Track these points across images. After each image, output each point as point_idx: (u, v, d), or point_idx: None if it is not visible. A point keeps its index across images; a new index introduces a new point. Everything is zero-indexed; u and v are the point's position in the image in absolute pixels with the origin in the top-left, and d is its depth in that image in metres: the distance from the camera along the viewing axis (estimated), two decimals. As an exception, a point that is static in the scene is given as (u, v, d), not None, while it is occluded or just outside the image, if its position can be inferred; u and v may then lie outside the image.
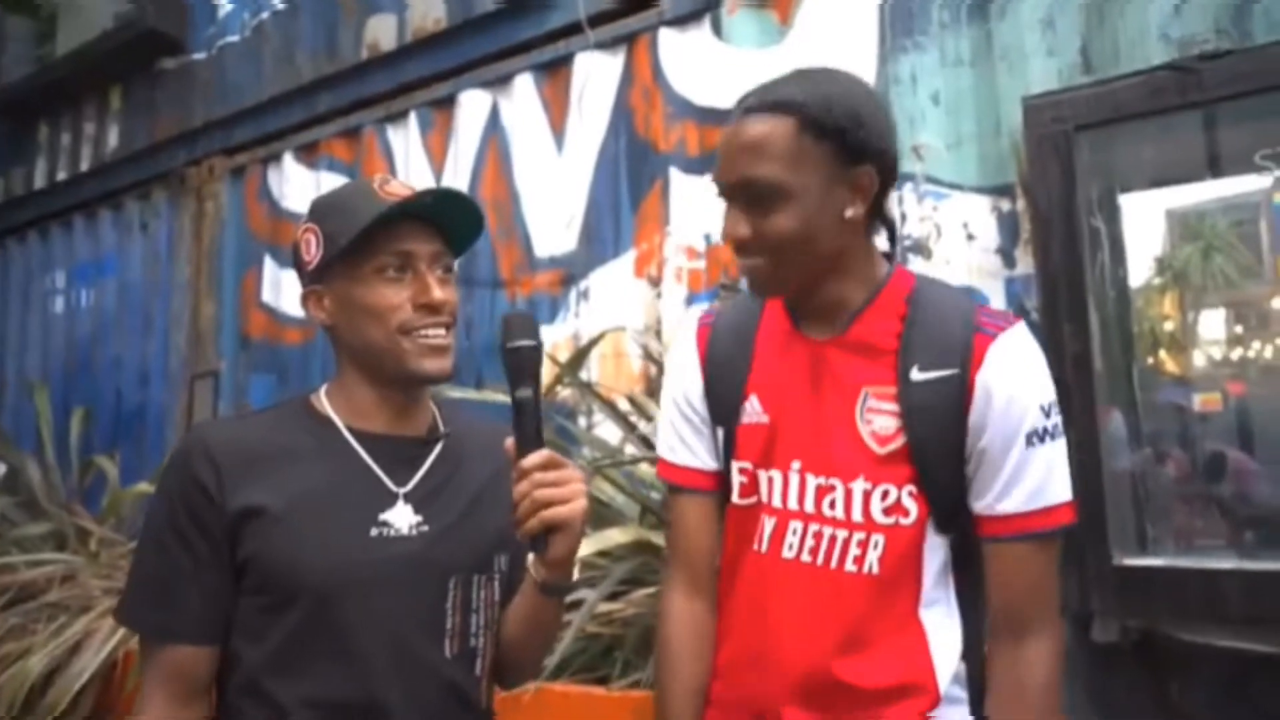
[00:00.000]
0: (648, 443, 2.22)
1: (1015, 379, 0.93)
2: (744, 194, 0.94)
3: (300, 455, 0.97)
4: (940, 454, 0.93)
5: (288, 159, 3.56)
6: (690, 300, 2.50)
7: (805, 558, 0.96)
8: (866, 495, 0.94)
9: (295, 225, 3.54)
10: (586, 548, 1.80)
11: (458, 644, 0.98)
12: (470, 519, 1.01)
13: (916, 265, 2.15)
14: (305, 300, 1.03)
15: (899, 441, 0.94)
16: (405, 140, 3.22)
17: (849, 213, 0.94)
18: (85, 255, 4.39)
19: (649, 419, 2.29)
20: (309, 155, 3.52)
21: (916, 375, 0.94)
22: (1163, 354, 2.08)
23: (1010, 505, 0.93)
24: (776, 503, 0.99)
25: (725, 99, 2.51)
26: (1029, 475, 0.92)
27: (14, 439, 4.09)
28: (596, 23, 2.76)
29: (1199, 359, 1.99)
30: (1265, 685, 1.60)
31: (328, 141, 3.44)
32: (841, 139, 0.93)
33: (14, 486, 3.73)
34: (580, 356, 2.51)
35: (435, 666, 0.96)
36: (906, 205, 2.18)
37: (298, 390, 3.43)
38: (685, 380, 1.07)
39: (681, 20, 2.63)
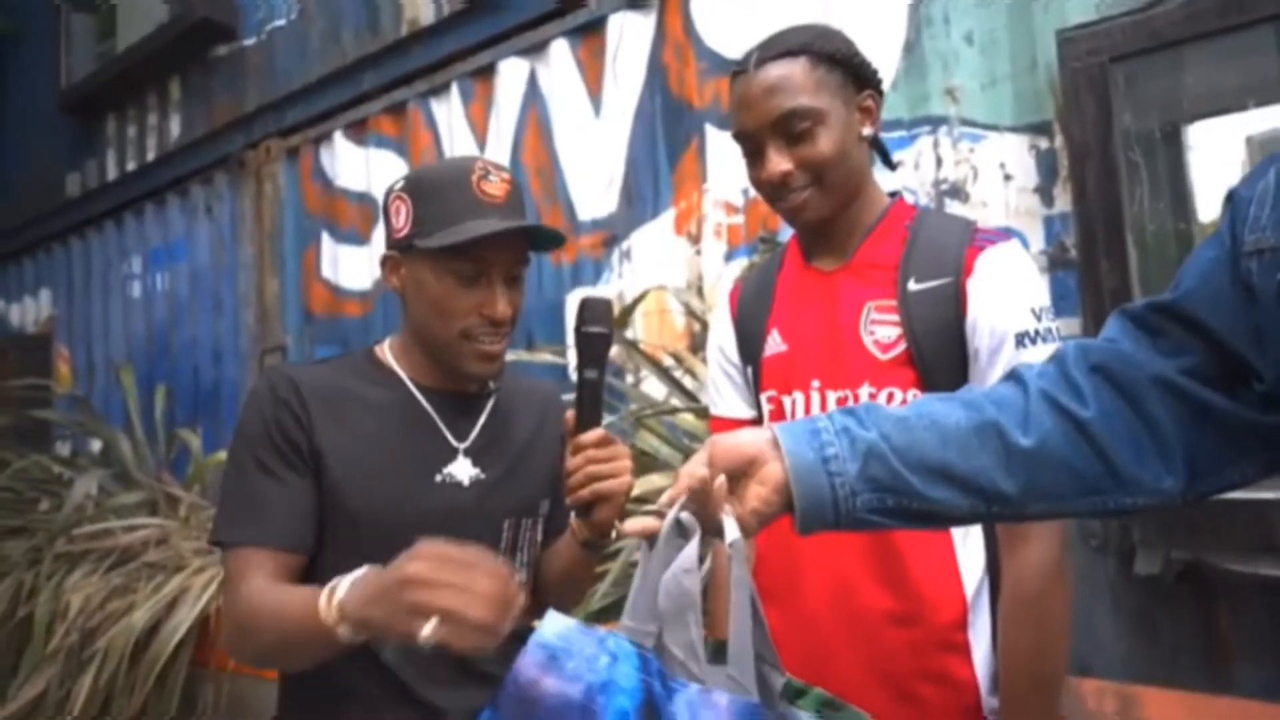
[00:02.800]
0: (691, 396, 2.28)
1: (1003, 283, 0.98)
2: (781, 129, 1.02)
3: (371, 404, 1.05)
4: (940, 358, 0.99)
5: (338, 138, 3.68)
6: (729, 256, 2.53)
7: None
8: (872, 398, 1.00)
9: (348, 201, 3.68)
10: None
11: None
12: (519, 468, 1.11)
13: (954, 209, 2.14)
14: (384, 262, 1.09)
15: (900, 348, 1.01)
16: (448, 113, 3.29)
17: (865, 131, 1.06)
18: (157, 241, 4.61)
19: (692, 374, 2.34)
20: (358, 133, 3.63)
21: (914, 286, 1.01)
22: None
23: None
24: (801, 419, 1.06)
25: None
26: None
27: (105, 417, 4.37)
28: (628, -17, 2.78)
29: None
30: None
31: (375, 118, 3.54)
32: (847, 67, 1.04)
33: (108, 460, 4.01)
34: (624, 316, 2.57)
35: None
36: (941, 149, 2.17)
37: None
38: (720, 335, 1.18)
39: (712, -26, 2.63)
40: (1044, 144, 2.03)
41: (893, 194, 1.12)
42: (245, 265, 4.07)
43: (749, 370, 1.13)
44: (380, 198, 3.46)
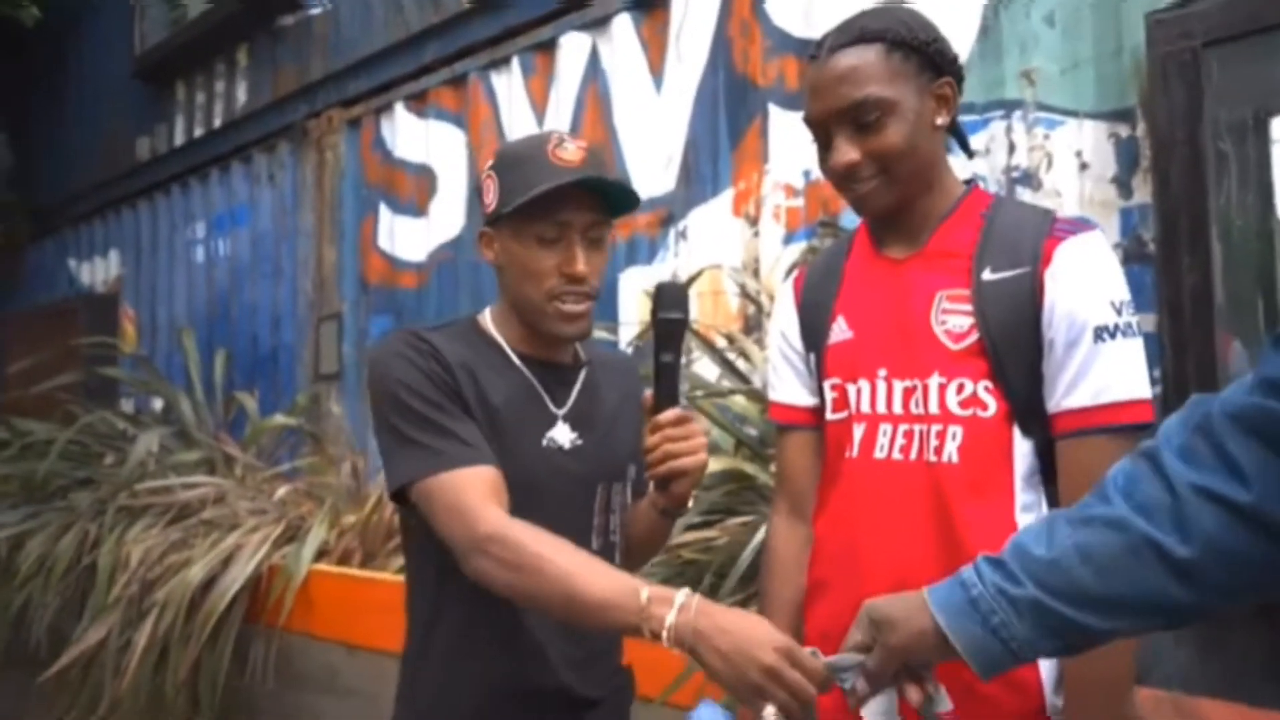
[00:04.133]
0: (743, 378, 2.26)
1: (1083, 275, 0.95)
2: (850, 119, 1.00)
3: (482, 370, 1.10)
4: (1013, 349, 0.96)
5: (399, 109, 3.70)
6: (788, 239, 2.49)
7: (896, 455, 1.01)
8: (942, 389, 0.99)
9: (407, 173, 3.71)
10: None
11: (601, 539, 1.14)
12: (610, 436, 1.17)
13: (1024, 197, 2.07)
14: (480, 240, 1.16)
15: (973, 338, 0.98)
16: (509, 86, 3.29)
17: (939, 120, 1.03)
18: (221, 207, 4.71)
19: (745, 356, 2.32)
20: (418, 105, 3.65)
21: (989, 276, 0.99)
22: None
23: (1077, 400, 0.94)
24: (866, 409, 1.05)
25: (824, 29, 2.45)
26: (1096, 370, 0.94)
27: (167, 377, 4.51)
28: (695, -43, 2.73)
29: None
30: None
31: (436, 90, 3.56)
32: (925, 53, 1.01)
33: (168, 419, 4.13)
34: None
35: None
36: (1015, 134, 2.10)
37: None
38: (783, 320, 1.17)
39: (781, -50, 2.56)
40: (1124, 132, 1.95)
41: (968, 181, 1.09)
42: (305, 233, 4.14)
43: (811, 357, 1.12)
44: (438, 170, 3.46)
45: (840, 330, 1.08)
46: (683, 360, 2.57)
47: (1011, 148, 2.10)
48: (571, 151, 1.07)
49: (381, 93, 3.81)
